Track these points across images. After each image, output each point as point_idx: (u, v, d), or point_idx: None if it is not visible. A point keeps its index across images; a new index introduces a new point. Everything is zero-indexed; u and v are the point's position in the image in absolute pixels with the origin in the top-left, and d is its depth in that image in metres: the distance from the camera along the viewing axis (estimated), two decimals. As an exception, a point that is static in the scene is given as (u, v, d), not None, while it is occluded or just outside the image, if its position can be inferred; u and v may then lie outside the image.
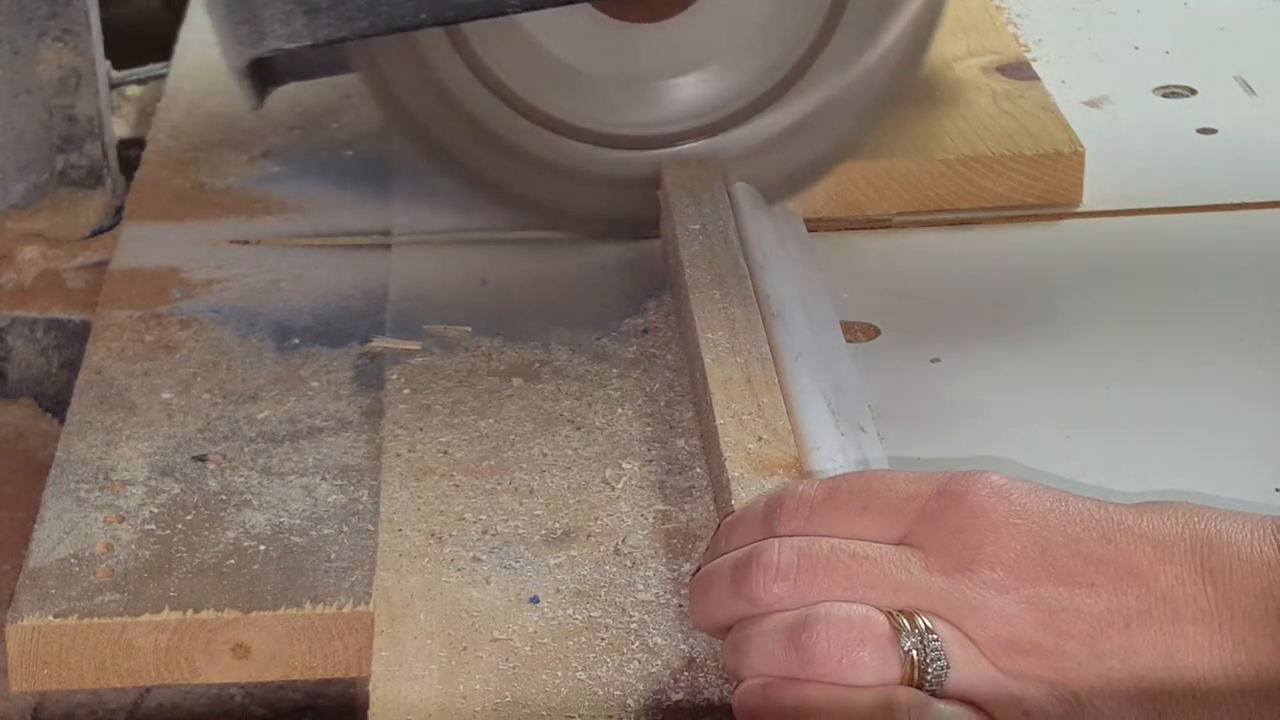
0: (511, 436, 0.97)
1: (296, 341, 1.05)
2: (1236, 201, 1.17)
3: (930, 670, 0.72)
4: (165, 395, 1.01)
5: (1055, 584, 0.72)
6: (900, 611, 0.73)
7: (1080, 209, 1.16)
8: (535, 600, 0.86)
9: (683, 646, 0.83)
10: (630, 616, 0.85)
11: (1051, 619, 0.72)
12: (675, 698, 0.80)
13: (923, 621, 0.72)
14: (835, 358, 0.99)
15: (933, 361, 1.01)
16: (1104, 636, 0.71)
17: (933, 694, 0.72)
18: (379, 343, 1.04)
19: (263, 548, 0.90)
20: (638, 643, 0.83)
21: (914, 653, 0.72)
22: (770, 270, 1.03)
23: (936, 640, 0.72)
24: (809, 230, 1.13)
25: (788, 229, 1.11)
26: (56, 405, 1.18)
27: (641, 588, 0.87)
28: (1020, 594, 0.72)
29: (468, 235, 1.14)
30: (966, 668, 0.73)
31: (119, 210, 1.22)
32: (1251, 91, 1.29)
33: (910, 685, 0.72)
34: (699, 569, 0.80)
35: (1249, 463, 0.93)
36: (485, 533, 0.90)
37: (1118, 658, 0.71)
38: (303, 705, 1.07)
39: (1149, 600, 0.71)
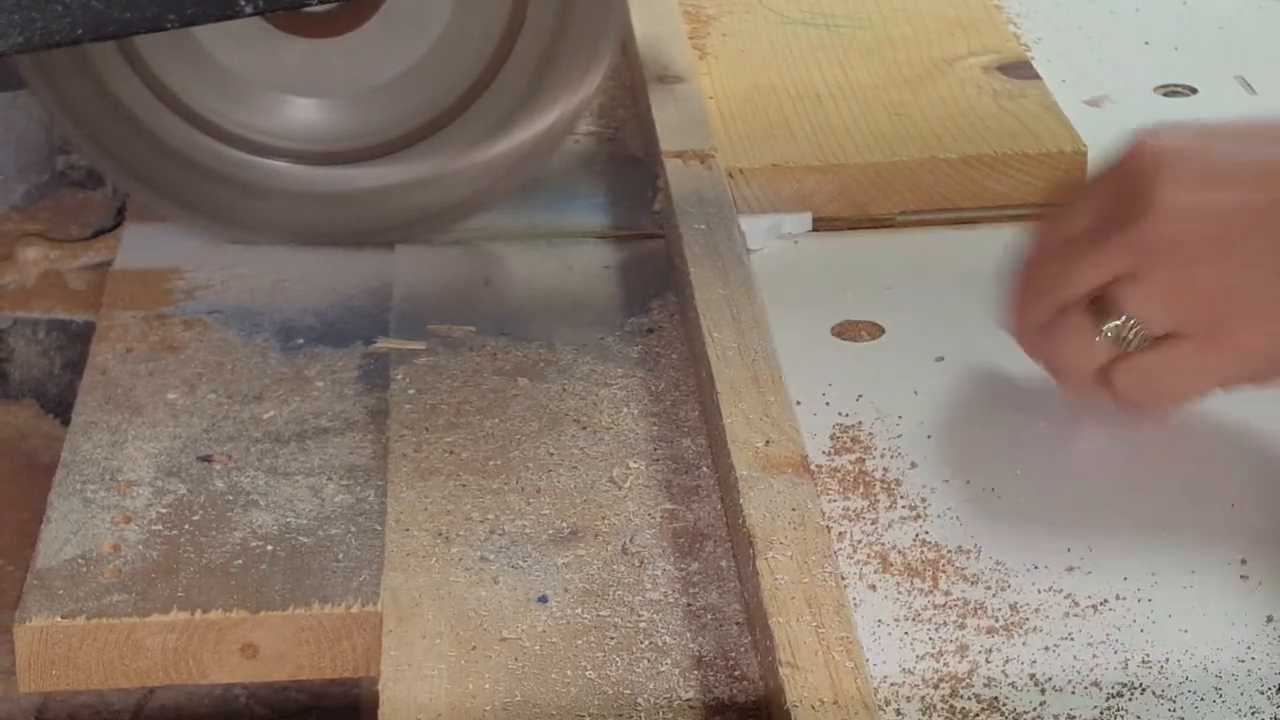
0: (517, 436, 0.97)
1: (301, 342, 1.05)
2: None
3: None
4: (170, 396, 1.01)
5: None
6: None
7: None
8: (544, 599, 0.86)
9: (692, 645, 0.83)
10: (639, 615, 0.85)
11: None
12: (685, 696, 0.80)
13: None
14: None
15: (937, 360, 1.01)
16: None
17: None
18: (384, 343, 1.04)
19: (270, 548, 0.90)
20: (646, 642, 0.83)
21: None
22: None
23: None
24: (813, 230, 1.12)
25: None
26: (59, 406, 1.18)
27: (650, 586, 0.87)
28: None
29: (470, 235, 1.14)
30: None
31: (120, 210, 1.22)
32: (1252, 91, 1.29)
33: None
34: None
35: (1255, 456, 0.93)
36: (492, 532, 0.90)
37: None
38: (307, 706, 1.07)
39: None
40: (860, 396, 0.98)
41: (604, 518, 0.91)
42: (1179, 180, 0.86)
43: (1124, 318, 0.88)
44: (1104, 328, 0.89)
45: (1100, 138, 1.19)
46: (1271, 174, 0.85)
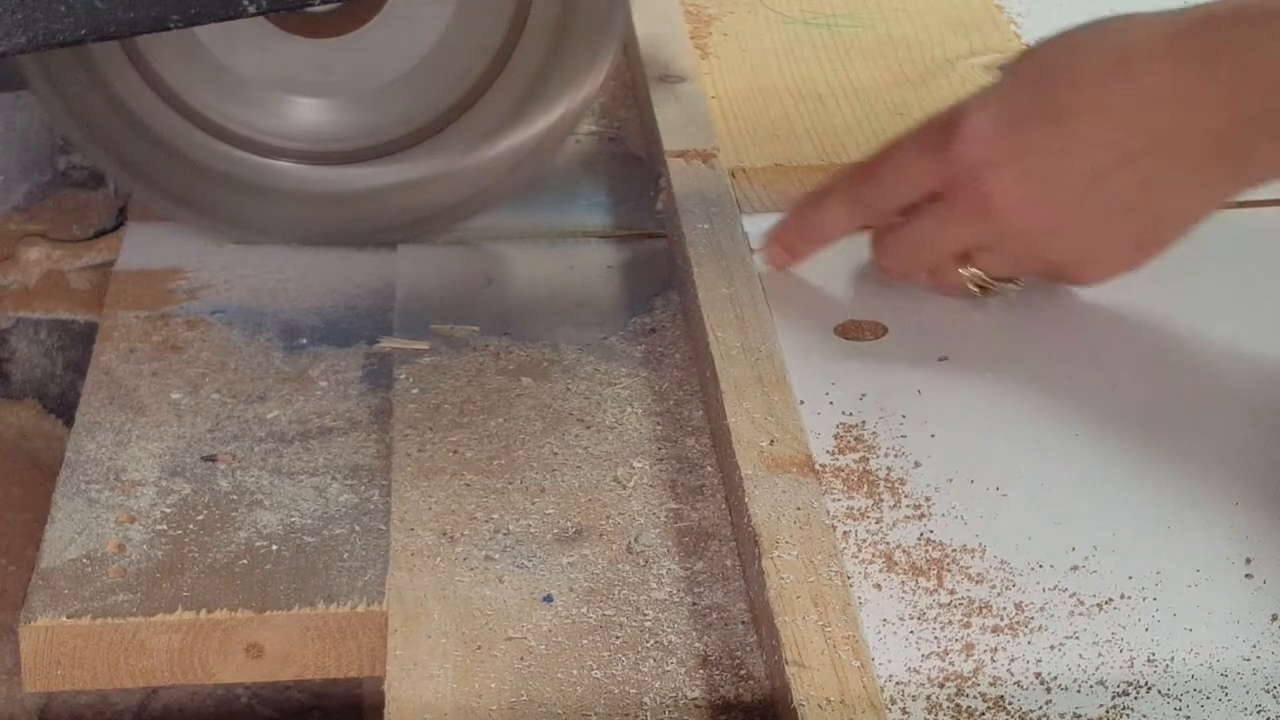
0: (521, 435, 0.97)
1: (304, 341, 1.05)
2: (1236, 201, 1.17)
3: None
4: (174, 395, 1.01)
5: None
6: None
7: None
8: (549, 599, 0.86)
9: (697, 645, 0.83)
10: (644, 615, 0.85)
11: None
12: (691, 695, 0.80)
13: None
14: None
15: (940, 360, 1.01)
16: None
17: None
18: (387, 343, 1.04)
19: (275, 547, 0.90)
20: (652, 641, 0.83)
21: None
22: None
23: None
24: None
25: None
26: (61, 406, 1.18)
27: (655, 586, 0.87)
28: None
29: (472, 235, 1.14)
30: None
31: (123, 210, 1.22)
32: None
33: None
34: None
35: (1259, 455, 0.94)
36: (497, 532, 0.90)
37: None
38: (309, 706, 1.07)
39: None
40: (864, 396, 0.98)
41: (608, 517, 0.91)
42: (1008, 178, 0.98)
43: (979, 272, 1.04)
44: (966, 274, 1.03)
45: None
46: (1081, 152, 0.97)
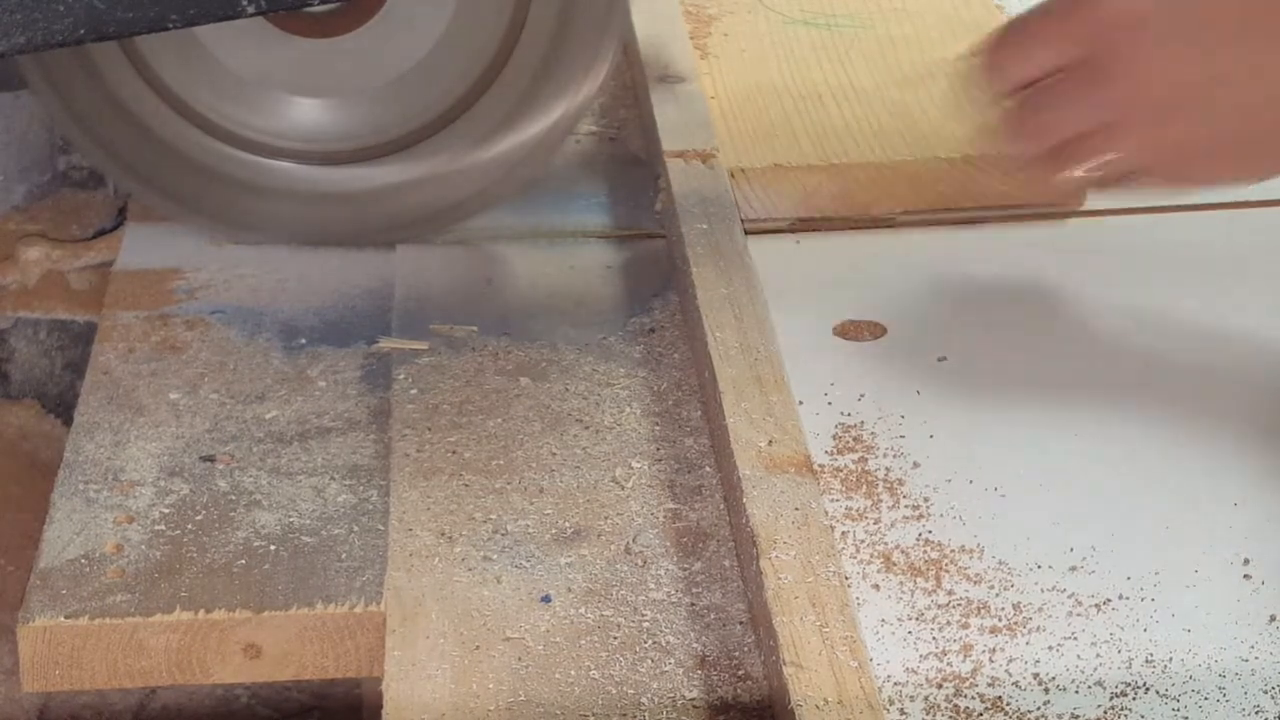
0: (520, 436, 0.97)
1: (303, 342, 1.05)
2: (1236, 201, 1.17)
3: None
4: (173, 395, 1.01)
5: None
6: None
7: (1084, 208, 1.16)
8: (547, 599, 0.86)
9: (695, 645, 0.83)
10: (643, 615, 0.85)
11: None
12: (689, 696, 0.80)
13: None
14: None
15: (939, 360, 1.01)
16: None
17: None
18: (386, 343, 1.04)
19: (273, 548, 0.90)
20: (650, 641, 0.83)
21: None
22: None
23: None
24: (815, 230, 1.13)
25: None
26: (60, 407, 1.18)
27: (653, 586, 0.87)
28: None
29: (472, 235, 1.14)
30: None
31: (122, 210, 1.22)
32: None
33: None
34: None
35: (1258, 455, 0.94)
36: (495, 532, 0.90)
37: None
38: (308, 706, 1.07)
39: None
40: (863, 396, 0.98)
41: (607, 517, 0.91)
42: (1153, 41, 0.93)
43: (1106, 158, 0.95)
44: (1087, 166, 0.96)
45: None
46: (1239, 28, 0.92)
